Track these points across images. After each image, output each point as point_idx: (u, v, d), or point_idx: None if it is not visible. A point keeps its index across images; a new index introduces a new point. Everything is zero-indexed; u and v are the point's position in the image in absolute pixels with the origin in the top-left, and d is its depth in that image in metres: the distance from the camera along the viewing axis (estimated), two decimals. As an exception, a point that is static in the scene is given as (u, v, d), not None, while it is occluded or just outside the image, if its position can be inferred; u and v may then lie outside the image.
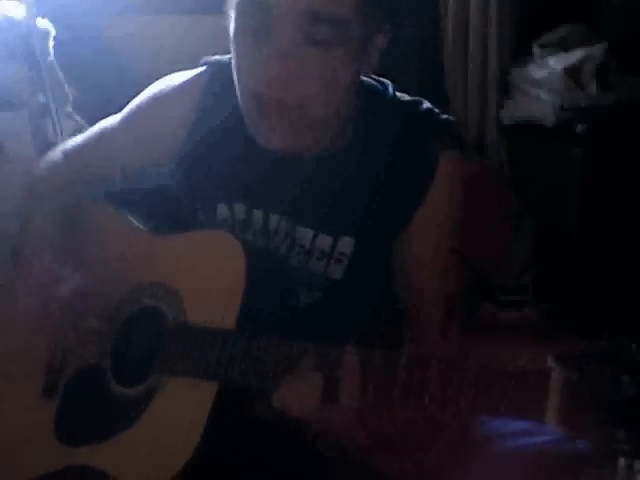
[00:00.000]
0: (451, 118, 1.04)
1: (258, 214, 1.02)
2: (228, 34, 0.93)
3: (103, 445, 0.94)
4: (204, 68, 1.06)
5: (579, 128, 2.16)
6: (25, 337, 1.10)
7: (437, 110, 1.03)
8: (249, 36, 0.88)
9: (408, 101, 1.03)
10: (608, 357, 0.64)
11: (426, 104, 1.03)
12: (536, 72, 2.28)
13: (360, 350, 0.78)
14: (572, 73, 2.19)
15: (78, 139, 1.18)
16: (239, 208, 1.03)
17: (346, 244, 1.00)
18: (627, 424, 0.62)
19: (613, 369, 0.64)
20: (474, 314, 2.23)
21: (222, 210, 1.04)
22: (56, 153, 1.19)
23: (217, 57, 1.05)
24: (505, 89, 2.41)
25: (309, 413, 0.80)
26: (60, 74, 2.01)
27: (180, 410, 0.90)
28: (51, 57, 1.97)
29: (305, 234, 1.01)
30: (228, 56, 0.97)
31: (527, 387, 0.67)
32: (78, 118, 2.02)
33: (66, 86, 2.03)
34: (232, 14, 0.90)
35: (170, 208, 1.11)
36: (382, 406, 0.77)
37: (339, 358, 0.79)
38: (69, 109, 2.04)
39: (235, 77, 0.92)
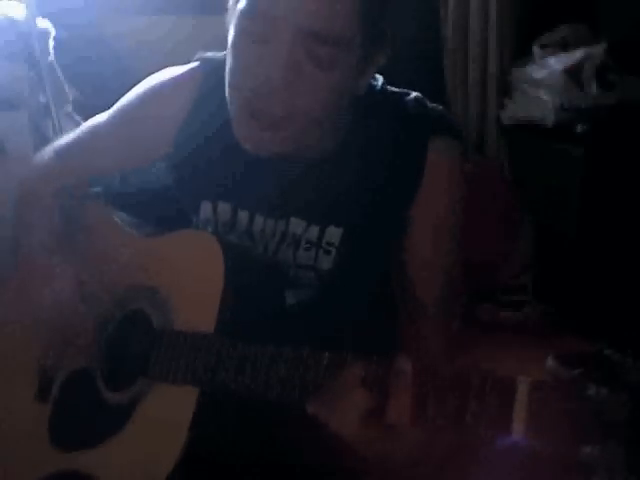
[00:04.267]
0: (440, 107, 1.03)
1: (243, 215, 1.02)
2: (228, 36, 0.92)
3: (94, 450, 0.94)
4: (197, 64, 1.06)
5: (579, 128, 2.17)
6: (19, 340, 1.09)
7: (425, 99, 1.02)
8: (248, 42, 0.88)
9: (396, 92, 1.02)
10: (597, 367, 0.64)
11: (414, 94, 1.02)
12: (536, 72, 2.28)
13: (412, 363, 0.72)
14: (572, 73, 2.19)
15: (69, 137, 1.17)
16: (224, 207, 1.03)
17: (333, 234, 0.99)
18: (595, 439, 0.62)
19: (582, 382, 0.63)
20: (473, 314, 2.24)
21: (206, 208, 1.04)
22: (48, 151, 1.18)
23: (211, 54, 1.04)
24: (505, 89, 2.41)
25: (350, 430, 0.74)
26: (60, 74, 2.01)
27: (164, 415, 0.89)
28: (51, 57, 1.97)
29: (292, 225, 1.00)
30: (222, 54, 0.96)
31: (493, 397, 0.66)
32: (78, 118, 2.02)
33: (66, 86, 2.04)
34: (234, 17, 0.90)
35: (167, 209, 1.11)
36: (427, 424, 0.70)
37: (387, 371, 0.73)
38: (69, 109, 2.04)
39: (227, 79, 0.91)
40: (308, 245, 1.01)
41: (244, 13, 0.87)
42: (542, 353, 0.66)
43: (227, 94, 0.92)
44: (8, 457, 1.03)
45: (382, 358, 0.74)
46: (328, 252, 1.00)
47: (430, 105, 1.01)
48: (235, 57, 0.90)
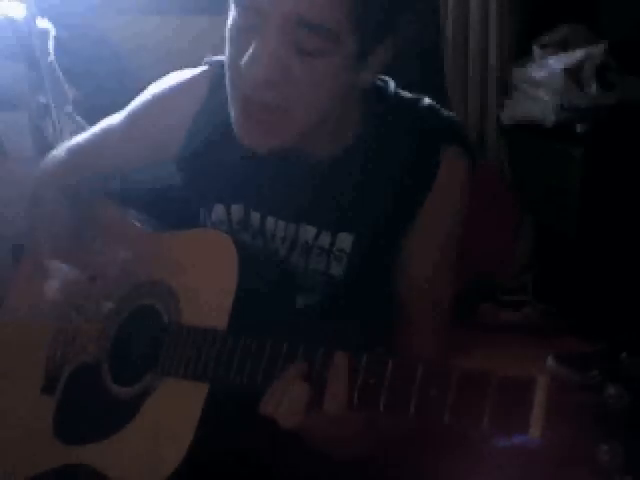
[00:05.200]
0: (453, 115, 1.03)
1: (255, 216, 1.02)
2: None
3: (99, 444, 0.94)
4: (207, 67, 1.06)
5: (579, 128, 2.17)
6: (25, 335, 1.10)
7: (439, 107, 1.02)
8: (239, 35, 0.87)
9: (409, 98, 1.02)
10: (598, 366, 0.64)
11: (427, 101, 1.02)
12: (536, 72, 2.28)
13: (349, 356, 0.77)
14: (572, 73, 2.19)
15: (82, 137, 1.18)
16: (237, 209, 1.03)
17: (345, 240, 1.00)
18: (612, 439, 0.62)
19: (600, 380, 0.63)
20: (473, 314, 2.24)
21: (219, 210, 1.04)
22: (60, 151, 1.19)
23: (220, 57, 1.04)
24: (505, 89, 2.41)
25: (293, 421, 0.79)
26: (60, 74, 2.01)
27: (172, 411, 0.90)
28: (51, 57, 1.97)
29: (304, 231, 1.01)
30: None
31: (511, 397, 0.67)
32: (78, 118, 2.02)
33: (66, 86, 2.03)
34: (231, 12, 0.90)
35: (174, 208, 1.12)
36: (367, 413, 0.77)
37: (326, 364, 0.78)
38: (69, 109, 2.04)
39: (225, 71, 0.91)
40: (319, 251, 1.01)
41: (235, 7, 0.87)
42: (542, 353, 0.67)
43: (226, 88, 0.92)
44: (13, 450, 1.04)
45: (327, 353, 0.79)
46: (339, 258, 1.01)
47: (444, 113, 1.02)
48: (229, 53, 0.89)
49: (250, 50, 0.84)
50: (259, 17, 0.84)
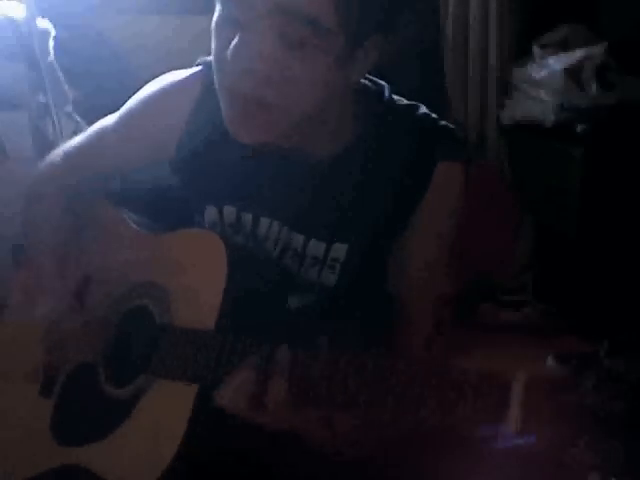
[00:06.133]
0: (450, 125, 1.02)
1: (247, 217, 1.02)
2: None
3: (95, 445, 0.94)
4: (200, 68, 1.06)
5: (579, 128, 2.17)
6: (25, 335, 1.10)
7: (434, 116, 1.02)
8: (226, 29, 0.86)
9: (404, 106, 1.02)
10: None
11: (423, 109, 1.01)
12: (536, 72, 2.29)
13: (291, 352, 0.78)
14: (572, 73, 2.19)
15: (77, 139, 1.18)
16: (229, 211, 1.03)
17: (339, 250, 1.00)
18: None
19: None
20: (473, 314, 2.24)
21: (211, 212, 1.04)
22: (56, 153, 1.20)
23: (211, 58, 1.05)
24: (505, 89, 2.41)
25: (241, 412, 0.81)
26: (60, 74, 2.01)
27: (162, 412, 0.90)
28: (51, 57, 1.98)
29: (297, 239, 1.01)
30: None
31: (487, 396, 0.67)
32: (78, 118, 2.03)
33: (66, 86, 2.04)
34: (217, 8, 0.89)
35: (174, 208, 1.12)
36: (314, 407, 0.77)
37: (271, 357, 0.79)
38: (69, 109, 2.04)
39: (212, 63, 0.91)
40: (313, 261, 1.01)
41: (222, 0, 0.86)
42: (542, 353, 0.67)
43: (215, 80, 0.91)
44: (12, 451, 1.04)
45: (271, 347, 0.80)
46: (332, 267, 1.01)
47: (439, 122, 1.01)
48: (216, 47, 0.89)
49: (238, 43, 0.84)
50: (249, 10, 0.83)
